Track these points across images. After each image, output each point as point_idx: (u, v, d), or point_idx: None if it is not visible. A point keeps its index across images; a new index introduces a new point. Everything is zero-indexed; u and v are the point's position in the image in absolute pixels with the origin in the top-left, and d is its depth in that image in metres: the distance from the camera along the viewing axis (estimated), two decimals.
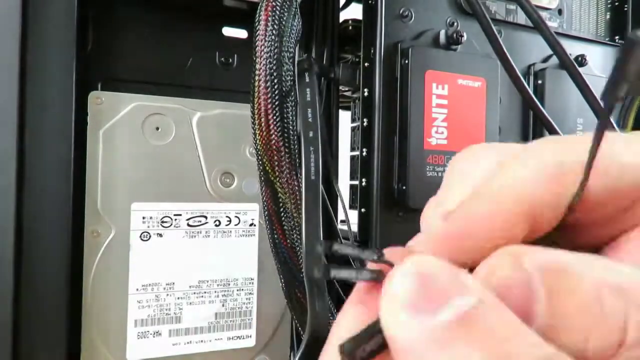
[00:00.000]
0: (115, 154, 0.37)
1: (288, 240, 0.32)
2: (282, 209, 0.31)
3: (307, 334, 0.26)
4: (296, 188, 0.31)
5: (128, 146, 0.38)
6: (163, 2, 0.40)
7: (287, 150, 0.31)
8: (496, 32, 0.39)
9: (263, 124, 0.30)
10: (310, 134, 0.31)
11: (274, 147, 0.30)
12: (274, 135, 0.30)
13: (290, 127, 0.31)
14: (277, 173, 0.31)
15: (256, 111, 0.30)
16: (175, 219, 0.39)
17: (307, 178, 0.30)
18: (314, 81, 0.33)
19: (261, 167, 0.31)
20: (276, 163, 0.30)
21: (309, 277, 0.26)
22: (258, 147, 0.31)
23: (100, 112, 0.37)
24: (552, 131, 0.41)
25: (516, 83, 0.39)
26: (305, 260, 0.27)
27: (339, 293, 0.41)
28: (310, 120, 0.32)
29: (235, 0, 0.41)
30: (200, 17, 0.42)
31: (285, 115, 0.30)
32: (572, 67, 0.39)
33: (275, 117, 0.30)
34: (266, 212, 0.32)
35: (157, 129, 0.38)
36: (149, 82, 0.40)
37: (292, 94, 0.31)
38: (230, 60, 0.43)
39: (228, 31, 0.43)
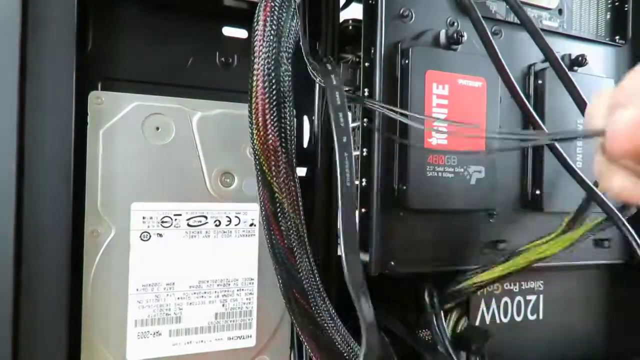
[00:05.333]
0: (115, 154, 0.37)
1: (285, 241, 0.32)
2: (279, 210, 0.31)
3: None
4: (293, 189, 0.31)
5: (128, 146, 0.38)
6: (163, 1, 0.40)
7: (284, 150, 0.30)
8: (491, 37, 0.39)
9: (260, 124, 0.30)
10: (344, 139, 0.31)
11: (271, 147, 0.30)
12: (271, 136, 0.30)
13: (288, 128, 0.31)
14: (274, 173, 0.30)
15: (254, 111, 0.30)
16: (175, 219, 0.39)
17: (343, 185, 0.30)
18: (342, 84, 0.33)
19: (258, 168, 0.31)
20: (273, 163, 0.30)
21: (353, 285, 0.27)
22: (255, 147, 0.31)
23: (100, 112, 0.37)
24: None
25: (511, 90, 0.39)
26: (347, 269, 0.28)
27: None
28: (342, 125, 0.31)
29: (235, 0, 0.41)
30: (200, 17, 0.42)
31: (282, 116, 0.30)
32: (563, 73, 0.40)
33: (272, 117, 0.30)
34: (263, 213, 0.32)
35: (157, 129, 0.38)
36: (149, 82, 0.40)
37: (290, 94, 0.31)
38: (230, 60, 0.43)
39: (228, 31, 0.43)
